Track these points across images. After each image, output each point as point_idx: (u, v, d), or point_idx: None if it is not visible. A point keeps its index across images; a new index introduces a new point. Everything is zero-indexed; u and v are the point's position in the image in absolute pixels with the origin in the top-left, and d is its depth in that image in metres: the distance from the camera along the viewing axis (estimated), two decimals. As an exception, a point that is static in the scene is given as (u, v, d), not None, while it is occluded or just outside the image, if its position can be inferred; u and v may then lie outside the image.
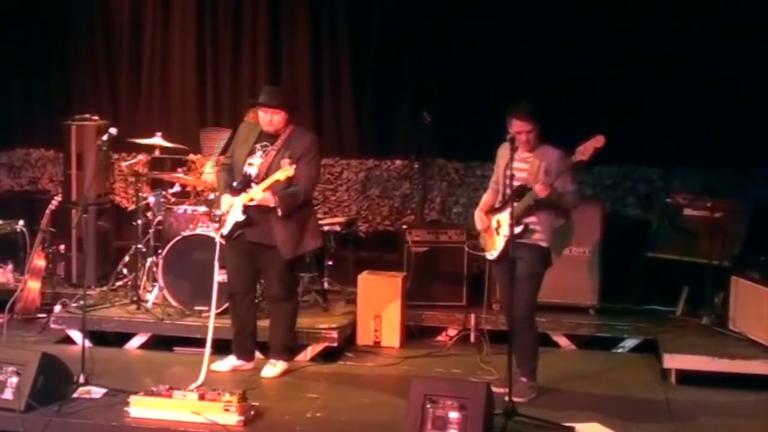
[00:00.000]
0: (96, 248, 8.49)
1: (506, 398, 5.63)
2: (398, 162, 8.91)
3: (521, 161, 6.15)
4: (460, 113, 8.61)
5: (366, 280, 7.60)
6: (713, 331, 7.34)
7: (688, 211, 7.81)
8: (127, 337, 7.42)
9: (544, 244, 6.22)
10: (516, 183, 6.02)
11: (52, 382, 5.81)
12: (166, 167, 8.43)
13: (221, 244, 6.59)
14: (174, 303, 7.43)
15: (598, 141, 5.92)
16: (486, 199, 6.54)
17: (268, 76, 8.89)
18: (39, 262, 7.94)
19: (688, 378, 6.69)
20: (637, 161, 8.36)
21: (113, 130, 6.73)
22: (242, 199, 6.41)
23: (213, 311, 6.51)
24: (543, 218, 6.19)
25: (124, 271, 8.14)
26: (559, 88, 8.18)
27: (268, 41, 9.04)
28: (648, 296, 7.97)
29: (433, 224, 8.51)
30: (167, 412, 5.60)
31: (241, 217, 6.44)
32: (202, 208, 7.61)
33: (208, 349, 6.38)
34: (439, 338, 7.81)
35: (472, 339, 7.64)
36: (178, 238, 7.42)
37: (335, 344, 7.14)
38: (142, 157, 8.23)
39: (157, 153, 8.20)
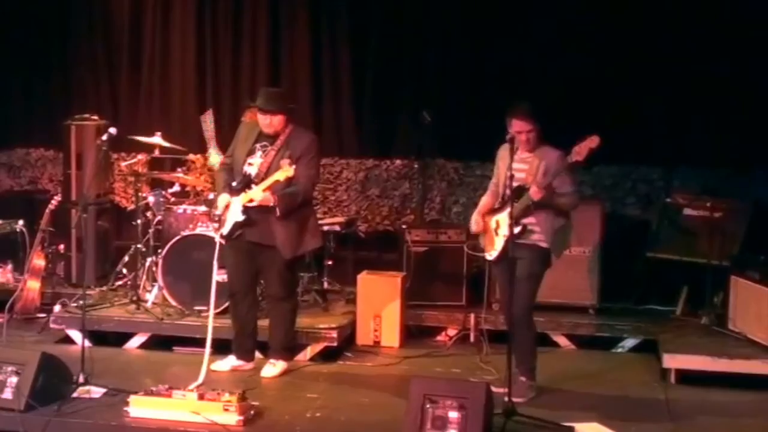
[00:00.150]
0: (96, 248, 8.50)
1: (506, 398, 5.63)
2: (398, 162, 8.91)
3: (521, 161, 6.15)
4: (460, 113, 8.61)
5: (366, 280, 7.60)
6: (713, 331, 7.34)
7: (688, 211, 7.82)
8: (127, 336, 7.42)
9: (543, 244, 6.22)
10: (515, 183, 6.02)
11: (51, 382, 5.81)
12: (165, 167, 8.44)
13: (221, 244, 6.59)
14: (173, 303, 7.43)
15: (592, 141, 5.92)
16: (485, 200, 6.53)
17: (268, 76, 8.90)
18: (39, 261, 7.94)
19: (687, 378, 6.68)
20: (637, 161, 8.36)
21: (113, 130, 6.75)
22: (242, 199, 6.41)
23: (212, 311, 6.51)
24: (542, 219, 6.19)
25: (124, 270, 8.14)
26: (559, 88, 8.18)
27: (268, 41, 9.04)
28: (648, 296, 7.98)
29: (432, 224, 8.51)
30: (167, 412, 5.60)
31: (240, 217, 6.44)
32: (202, 208, 7.61)
33: (208, 349, 6.38)
34: (439, 338, 7.81)
35: (471, 339, 7.64)
36: (178, 237, 7.42)
37: (335, 344, 7.14)
38: (141, 156, 8.23)
39: (156, 153, 8.20)
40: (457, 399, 5.26)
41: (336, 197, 9.00)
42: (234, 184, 6.49)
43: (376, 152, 8.97)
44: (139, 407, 5.64)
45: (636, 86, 8.22)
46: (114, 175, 9.19)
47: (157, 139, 8.07)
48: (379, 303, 7.48)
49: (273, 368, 6.64)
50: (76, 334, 7.28)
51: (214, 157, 7.87)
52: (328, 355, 7.14)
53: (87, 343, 6.42)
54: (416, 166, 8.74)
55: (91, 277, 8.29)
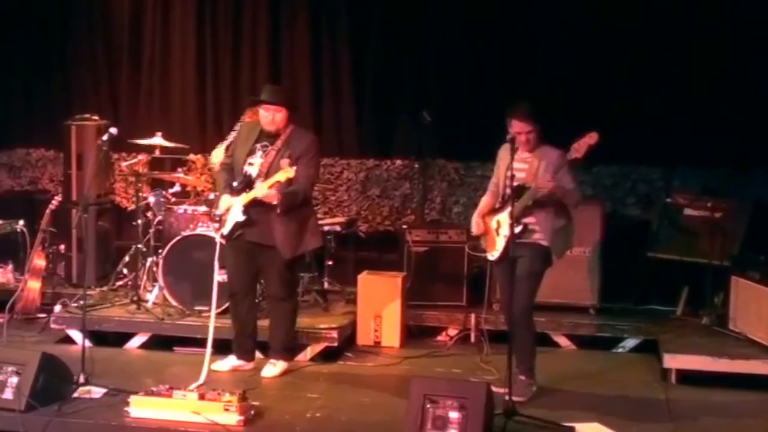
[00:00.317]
0: (96, 248, 8.50)
1: (506, 398, 5.63)
2: (398, 162, 8.91)
3: (521, 161, 6.15)
4: (460, 113, 8.60)
5: (366, 280, 7.60)
6: (713, 331, 7.34)
7: (688, 211, 7.82)
8: (127, 337, 7.42)
9: (544, 243, 6.22)
10: (515, 183, 6.02)
11: (52, 382, 5.82)
12: (166, 167, 8.44)
13: (221, 244, 6.59)
14: (174, 303, 7.43)
15: (591, 138, 5.92)
16: (485, 201, 6.53)
17: (268, 76, 8.88)
18: (39, 261, 7.94)
19: (688, 378, 6.68)
20: (637, 161, 8.36)
21: (113, 130, 6.75)
22: (242, 199, 6.41)
23: (213, 311, 6.51)
24: (542, 219, 6.19)
25: (124, 271, 8.14)
26: (559, 88, 8.18)
27: (268, 41, 9.04)
28: (648, 296, 7.98)
29: (433, 224, 8.51)
30: (167, 412, 5.60)
31: (241, 217, 6.44)
32: (202, 208, 7.62)
33: (209, 349, 6.37)
34: (439, 338, 7.81)
35: (472, 339, 7.64)
36: (179, 237, 7.42)
37: (335, 344, 7.14)
38: (142, 157, 8.23)
39: (157, 153, 8.20)
40: (457, 399, 5.26)
41: (336, 197, 9.00)
42: (235, 184, 6.49)
43: (376, 152, 8.96)
44: (140, 407, 5.64)
45: (636, 86, 8.21)
46: (114, 176, 9.19)
47: (157, 140, 8.07)
48: (379, 303, 7.48)
49: (273, 368, 6.64)
50: (76, 334, 7.28)
51: (217, 156, 7.86)
52: (328, 355, 7.14)
53: (87, 343, 6.42)
54: (417, 166, 8.74)
55: (91, 277, 8.29)
